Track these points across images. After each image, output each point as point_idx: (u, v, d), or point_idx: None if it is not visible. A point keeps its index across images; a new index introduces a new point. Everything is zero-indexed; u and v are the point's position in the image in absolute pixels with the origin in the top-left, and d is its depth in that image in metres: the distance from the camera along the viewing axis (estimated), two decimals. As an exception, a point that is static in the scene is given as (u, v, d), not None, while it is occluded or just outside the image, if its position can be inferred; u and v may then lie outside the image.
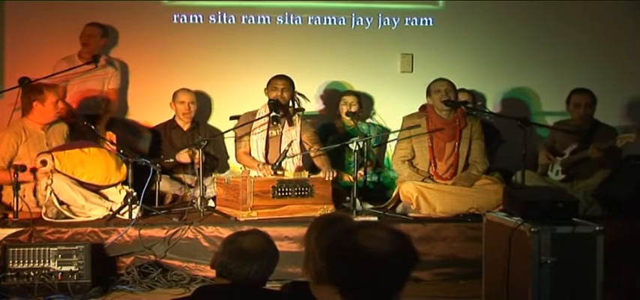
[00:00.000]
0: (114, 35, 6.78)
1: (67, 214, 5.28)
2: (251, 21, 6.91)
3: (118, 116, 6.66)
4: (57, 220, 5.21)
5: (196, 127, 6.48)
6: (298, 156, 5.95)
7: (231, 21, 6.89)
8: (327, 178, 5.57)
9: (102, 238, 5.07)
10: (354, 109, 6.46)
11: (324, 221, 2.89)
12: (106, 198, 5.48)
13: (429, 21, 7.09)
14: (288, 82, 5.98)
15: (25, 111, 5.63)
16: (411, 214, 5.55)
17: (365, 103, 6.86)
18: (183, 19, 6.85)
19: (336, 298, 2.28)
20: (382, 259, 2.25)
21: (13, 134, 5.55)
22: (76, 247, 4.82)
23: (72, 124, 5.88)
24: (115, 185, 5.53)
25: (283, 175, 5.65)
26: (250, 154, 5.98)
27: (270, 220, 5.27)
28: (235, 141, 6.15)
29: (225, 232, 4.95)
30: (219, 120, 6.75)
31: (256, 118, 5.95)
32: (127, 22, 6.79)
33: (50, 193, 5.26)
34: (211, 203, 5.65)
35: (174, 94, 6.43)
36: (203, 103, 6.72)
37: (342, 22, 7.00)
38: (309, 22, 6.97)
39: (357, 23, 7.02)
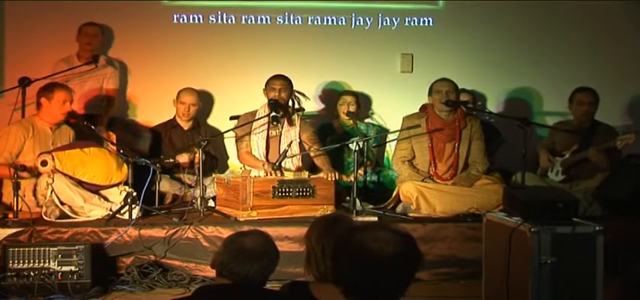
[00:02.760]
0: (113, 35, 6.78)
1: (69, 213, 5.28)
2: (251, 21, 6.91)
3: (118, 116, 6.66)
4: (57, 220, 5.21)
5: (197, 127, 6.48)
6: (298, 156, 5.95)
7: (231, 21, 6.89)
8: (329, 179, 5.57)
9: (102, 238, 5.07)
10: (352, 108, 6.47)
11: (325, 221, 2.89)
12: (106, 199, 5.47)
13: (429, 21, 7.09)
14: (286, 82, 5.98)
15: (38, 106, 5.63)
16: (411, 214, 5.55)
17: (364, 102, 6.85)
18: (183, 19, 6.85)
19: (340, 298, 2.29)
20: (387, 260, 2.26)
21: (21, 128, 5.56)
22: (76, 247, 4.82)
23: (76, 127, 5.87)
24: (117, 185, 5.53)
25: (283, 175, 5.64)
26: (252, 154, 5.98)
27: (270, 220, 5.27)
28: (236, 141, 6.14)
29: (225, 232, 4.95)
30: (219, 120, 6.75)
31: (256, 118, 5.95)
32: (126, 22, 6.79)
33: (51, 193, 5.26)
34: (211, 203, 5.65)
35: (178, 93, 6.42)
36: (205, 103, 6.72)
37: (342, 22, 7.00)
38: (309, 22, 6.97)
39: (357, 23, 7.02)
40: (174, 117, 6.47)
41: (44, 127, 5.62)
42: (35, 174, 5.35)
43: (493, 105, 7.13)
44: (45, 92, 5.60)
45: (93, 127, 5.74)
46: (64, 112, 5.62)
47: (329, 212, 5.40)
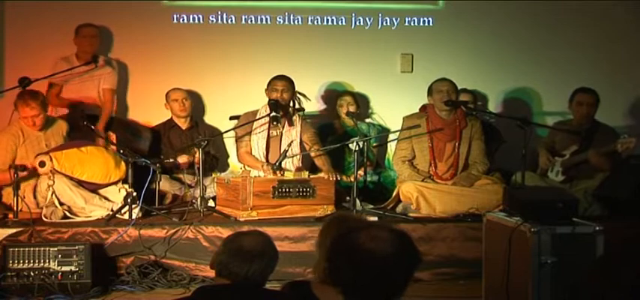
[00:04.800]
0: (113, 35, 6.78)
1: (69, 214, 5.28)
2: (251, 21, 6.90)
3: (118, 116, 6.66)
4: (57, 220, 5.21)
5: (195, 127, 6.48)
6: (298, 156, 5.95)
7: (231, 21, 6.89)
8: (330, 179, 5.57)
9: (102, 238, 5.07)
10: (351, 109, 6.46)
11: (338, 221, 2.88)
12: (107, 198, 5.47)
13: (429, 21, 7.09)
14: (288, 83, 5.98)
15: (21, 115, 5.60)
16: (411, 214, 5.55)
17: (364, 102, 6.85)
18: (183, 19, 6.84)
19: (339, 299, 2.28)
20: (385, 260, 2.25)
21: (10, 136, 5.53)
22: (76, 247, 4.82)
23: (72, 122, 5.86)
24: (115, 183, 5.53)
25: (283, 175, 5.64)
26: (252, 154, 5.98)
27: (270, 220, 5.27)
28: (236, 141, 6.14)
29: (225, 232, 4.95)
30: (219, 120, 6.75)
31: (256, 118, 5.95)
32: (126, 22, 6.79)
33: (51, 194, 5.26)
34: (211, 203, 5.64)
35: (167, 95, 6.42)
36: (197, 102, 6.72)
37: (342, 22, 7.00)
38: (309, 22, 6.97)
39: (357, 23, 7.02)
40: (172, 118, 6.47)
41: (33, 130, 5.60)
42: (35, 174, 5.34)
43: (493, 105, 7.12)
44: (16, 106, 5.52)
45: (93, 127, 5.74)
46: (36, 124, 5.54)
47: (329, 212, 5.40)
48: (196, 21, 6.86)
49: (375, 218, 5.37)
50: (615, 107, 7.04)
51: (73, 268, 4.78)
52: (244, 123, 6.00)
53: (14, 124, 5.64)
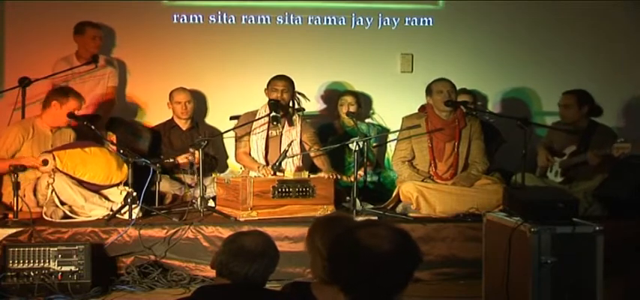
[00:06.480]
0: (114, 35, 6.78)
1: (69, 213, 5.28)
2: (251, 21, 6.91)
3: (118, 116, 6.65)
4: (57, 220, 5.21)
5: (196, 127, 6.48)
6: (298, 156, 5.95)
7: (231, 21, 6.89)
8: (329, 179, 5.57)
9: (102, 238, 5.07)
10: (352, 109, 6.47)
11: (326, 221, 2.89)
12: (107, 198, 5.48)
13: (429, 21, 7.09)
14: (288, 83, 5.98)
15: (46, 105, 5.61)
16: (411, 214, 5.55)
17: (364, 102, 6.86)
18: (183, 19, 6.85)
19: (339, 297, 2.28)
20: (383, 257, 2.25)
21: (21, 129, 5.59)
22: (76, 247, 4.81)
23: (77, 129, 5.86)
24: (117, 185, 5.53)
25: (283, 175, 5.64)
26: (250, 155, 5.98)
27: (270, 220, 5.27)
28: (235, 141, 6.15)
29: (225, 232, 4.95)
30: (219, 120, 6.75)
31: (256, 118, 5.95)
32: (127, 22, 6.79)
33: (51, 192, 5.26)
34: (211, 203, 5.64)
35: (170, 94, 6.43)
36: (199, 102, 6.72)
37: (342, 22, 7.00)
38: (309, 22, 6.97)
39: (357, 23, 7.02)
40: (172, 118, 6.47)
41: (44, 129, 5.63)
42: (32, 169, 5.36)
43: (493, 105, 7.13)
44: (59, 96, 5.59)
45: (93, 127, 5.75)
46: (69, 121, 5.63)
47: (329, 212, 5.40)
48: (196, 21, 6.86)
49: (375, 218, 5.37)
50: (615, 107, 7.04)
51: (73, 268, 4.78)
52: (244, 123, 6.00)
53: (28, 119, 5.72)
